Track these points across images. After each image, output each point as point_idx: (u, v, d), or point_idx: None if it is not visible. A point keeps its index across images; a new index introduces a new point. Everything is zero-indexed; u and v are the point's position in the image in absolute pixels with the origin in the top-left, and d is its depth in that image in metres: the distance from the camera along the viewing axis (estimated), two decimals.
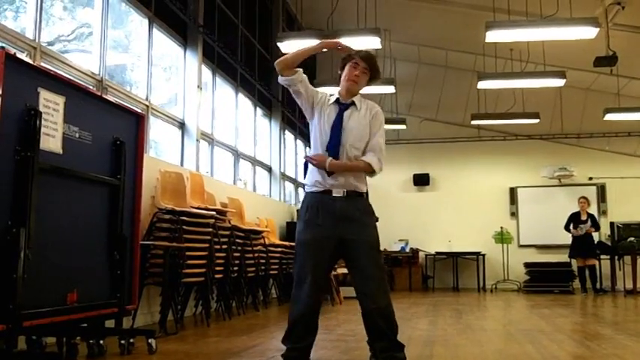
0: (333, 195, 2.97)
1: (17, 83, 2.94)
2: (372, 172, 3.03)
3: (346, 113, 3.04)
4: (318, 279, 2.98)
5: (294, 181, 11.56)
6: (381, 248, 3.17)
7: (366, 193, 3.07)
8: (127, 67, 6.46)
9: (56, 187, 3.23)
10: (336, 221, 2.95)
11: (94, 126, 3.52)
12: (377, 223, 3.10)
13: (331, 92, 3.15)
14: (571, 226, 10.21)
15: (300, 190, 11.47)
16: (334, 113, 3.04)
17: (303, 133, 11.96)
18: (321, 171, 3.00)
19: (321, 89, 3.21)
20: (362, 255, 2.95)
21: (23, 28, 4.43)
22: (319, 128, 3.06)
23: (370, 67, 3.07)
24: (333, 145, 2.99)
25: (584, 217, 10.15)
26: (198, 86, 7.08)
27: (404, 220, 12.20)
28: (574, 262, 10.44)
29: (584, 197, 10.40)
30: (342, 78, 3.10)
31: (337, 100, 3.09)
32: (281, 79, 3.07)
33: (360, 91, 3.13)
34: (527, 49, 9.05)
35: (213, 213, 5.41)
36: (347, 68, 3.08)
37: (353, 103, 3.07)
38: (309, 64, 12.32)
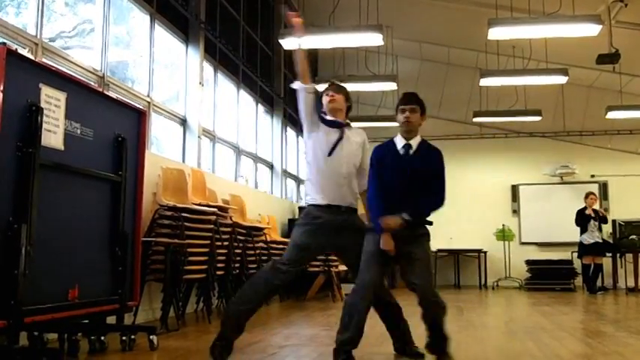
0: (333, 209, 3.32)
1: (19, 79, 2.94)
2: None
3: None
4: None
5: (295, 178, 11.55)
6: None
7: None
8: (129, 64, 6.45)
9: (57, 183, 3.22)
10: (334, 232, 3.31)
11: (95, 122, 3.52)
12: None
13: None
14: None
15: (302, 186, 11.46)
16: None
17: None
18: (322, 189, 3.35)
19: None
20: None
21: (25, 24, 4.42)
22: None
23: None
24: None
25: (592, 214, 9.67)
26: (199, 83, 7.08)
27: None
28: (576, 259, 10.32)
29: (593, 193, 10.02)
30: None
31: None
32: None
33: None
34: (529, 46, 9.02)
35: (215, 210, 5.42)
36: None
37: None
38: (311, 60, 12.30)
